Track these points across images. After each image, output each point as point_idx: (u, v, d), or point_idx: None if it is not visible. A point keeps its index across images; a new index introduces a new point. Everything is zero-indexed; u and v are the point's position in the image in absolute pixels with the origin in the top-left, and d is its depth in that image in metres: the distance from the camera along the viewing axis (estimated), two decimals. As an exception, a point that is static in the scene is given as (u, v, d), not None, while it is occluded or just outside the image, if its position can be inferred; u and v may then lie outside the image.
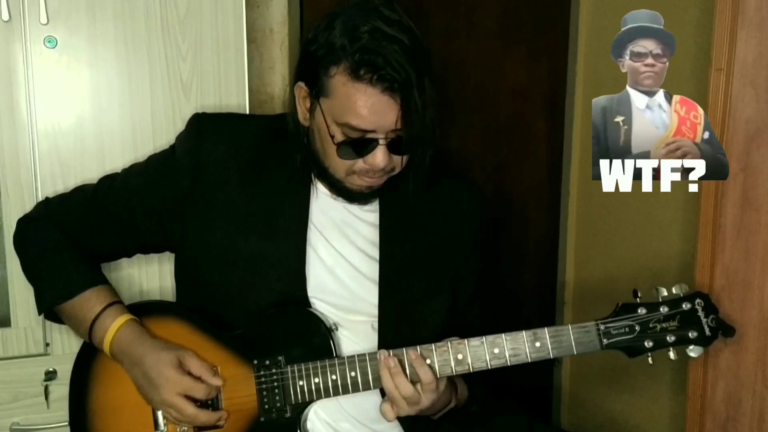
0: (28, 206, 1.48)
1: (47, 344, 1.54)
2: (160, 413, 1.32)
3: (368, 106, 1.20)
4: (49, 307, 1.37)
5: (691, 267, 1.45)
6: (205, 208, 1.36)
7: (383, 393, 1.30)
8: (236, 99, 1.58)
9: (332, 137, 1.24)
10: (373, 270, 1.37)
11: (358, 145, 1.24)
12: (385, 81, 1.18)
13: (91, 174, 1.51)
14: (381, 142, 1.23)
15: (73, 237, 1.38)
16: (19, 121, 1.48)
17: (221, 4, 1.54)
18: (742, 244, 1.37)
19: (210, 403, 1.30)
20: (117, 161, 1.52)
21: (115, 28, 1.50)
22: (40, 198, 1.49)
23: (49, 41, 1.46)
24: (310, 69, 1.25)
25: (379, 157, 1.24)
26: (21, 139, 1.48)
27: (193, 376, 1.27)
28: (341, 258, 1.36)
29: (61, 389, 1.52)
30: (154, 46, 1.52)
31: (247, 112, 1.59)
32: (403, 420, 1.35)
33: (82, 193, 1.44)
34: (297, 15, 2.03)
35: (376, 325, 1.36)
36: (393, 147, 1.25)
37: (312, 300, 1.35)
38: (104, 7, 1.48)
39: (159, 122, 1.54)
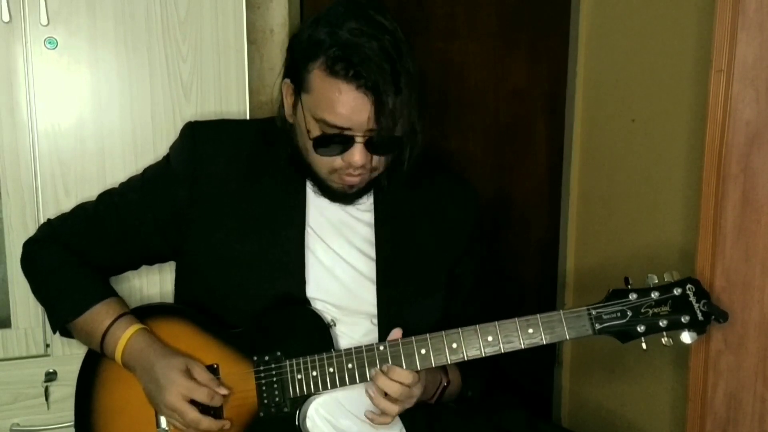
0: (28, 206, 1.49)
1: (47, 345, 1.54)
2: (163, 418, 1.32)
3: (342, 103, 1.20)
4: (63, 325, 1.38)
5: (691, 267, 1.45)
6: (205, 216, 1.37)
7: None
8: (236, 100, 1.58)
9: (308, 132, 1.25)
10: (371, 269, 1.38)
11: (335, 141, 1.24)
12: (359, 78, 1.19)
13: (91, 175, 1.51)
14: (358, 140, 1.24)
15: (79, 254, 1.39)
16: (20, 122, 1.48)
17: (221, 5, 1.54)
18: (742, 245, 1.36)
19: (212, 412, 1.30)
20: (117, 162, 1.53)
21: (115, 30, 1.50)
22: (40, 199, 1.49)
23: (50, 42, 1.47)
24: (294, 65, 1.27)
25: (356, 155, 1.24)
26: (21, 140, 1.48)
27: (198, 383, 1.28)
28: (339, 258, 1.37)
29: (61, 390, 1.52)
30: (154, 47, 1.52)
31: (248, 113, 1.59)
32: (403, 414, 1.35)
33: (83, 211, 1.44)
34: (297, 16, 2.03)
35: (374, 321, 1.37)
36: (371, 146, 1.25)
37: (312, 301, 1.36)
38: (104, 8, 1.48)
39: (159, 123, 1.54)
